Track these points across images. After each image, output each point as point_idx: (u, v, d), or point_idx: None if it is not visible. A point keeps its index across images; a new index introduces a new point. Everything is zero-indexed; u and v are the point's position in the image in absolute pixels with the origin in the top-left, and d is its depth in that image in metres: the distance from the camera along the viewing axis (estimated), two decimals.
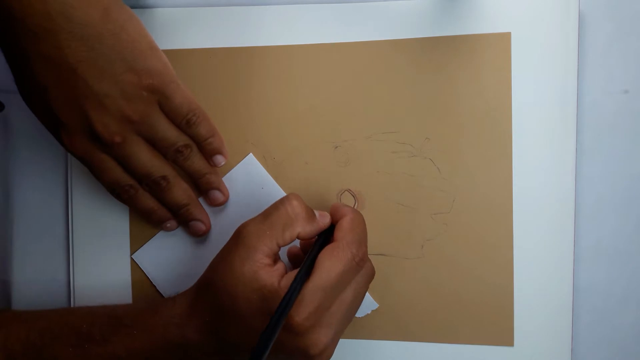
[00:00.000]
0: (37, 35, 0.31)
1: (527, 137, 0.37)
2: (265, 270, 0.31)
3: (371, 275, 0.34)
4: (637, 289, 0.38)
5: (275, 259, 0.33)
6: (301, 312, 0.30)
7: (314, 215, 0.34)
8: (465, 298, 0.38)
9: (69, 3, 0.31)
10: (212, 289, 0.32)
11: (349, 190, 0.39)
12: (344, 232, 0.33)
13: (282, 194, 0.39)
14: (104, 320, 0.35)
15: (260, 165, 0.39)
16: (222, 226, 0.40)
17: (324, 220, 0.34)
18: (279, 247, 0.33)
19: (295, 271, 0.31)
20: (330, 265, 0.31)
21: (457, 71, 0.38)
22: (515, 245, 0.37)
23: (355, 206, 0.39)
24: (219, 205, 0.39)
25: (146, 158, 0.36)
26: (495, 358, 0.38)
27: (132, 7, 0.34)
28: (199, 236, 0.40)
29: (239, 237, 0.33)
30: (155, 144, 0.36)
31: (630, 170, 0.38)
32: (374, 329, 0.39)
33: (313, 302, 0.30)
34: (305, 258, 0.32)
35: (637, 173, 0.38)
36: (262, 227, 0.32)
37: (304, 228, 0.33)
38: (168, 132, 0.36)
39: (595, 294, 0.38)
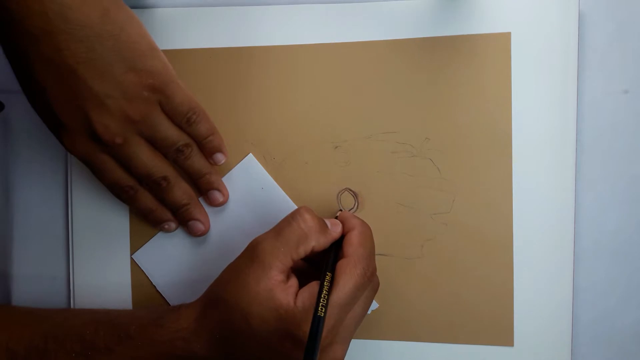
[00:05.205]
0: (36, 37, 0.31)
1: (527, 137, 0.37)
2: (280, 289, 0.31)
3: (377, 287, 0.35)
4: (637, 289, 0.38)
5: (289, 274, 0.33)
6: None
7: (326, 226, 0.34)
8: (465, 298, 0.38)
9: (67, 4, 0.30)
10: (222, 306, 0.32)
11: (349, 190, 0.39)
12: (354, 247, 0.33)
13: (282, 194, 0.39)
14: (108, 329, 0.35)
15: (260, 166, 0.39)
16: (222, 226, 0.40)
17: (336, 229, 0.34)
18: (293, 263, 0.33)
19: (309, 287, 0.32)
20: (344, 282, 0.31)
21: (457, 71, 0.38)
22: (515, 245, 0.37)
23: (356, 206, 0.39)
24: (218, 205, 0.39)
25: (147, 158, 0.36)
26: (495, 358, 0.38)
27: (132, 7, 0.34)
28: (198, 236, 0.40)
29: (252, 253, 0.33)
30: (156, 144, 0.36)
31: (630, 170, 0.38)
32: (374, 329, 0.39)
33: (331, 319, 0.31)
34: (322, 275, 0.32)
35: (637, 173, 0.38)
36: (276, 244, 0.32)
37: (317, 241, 0.33)
38: (169, 131, 0.36)
39: (595, 294, 0.38)
